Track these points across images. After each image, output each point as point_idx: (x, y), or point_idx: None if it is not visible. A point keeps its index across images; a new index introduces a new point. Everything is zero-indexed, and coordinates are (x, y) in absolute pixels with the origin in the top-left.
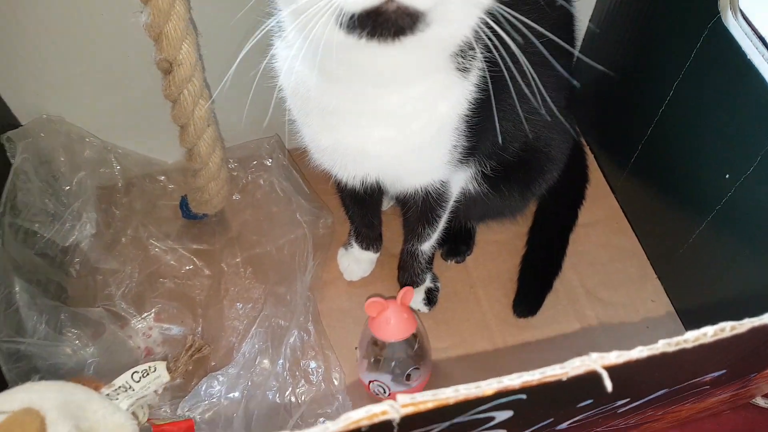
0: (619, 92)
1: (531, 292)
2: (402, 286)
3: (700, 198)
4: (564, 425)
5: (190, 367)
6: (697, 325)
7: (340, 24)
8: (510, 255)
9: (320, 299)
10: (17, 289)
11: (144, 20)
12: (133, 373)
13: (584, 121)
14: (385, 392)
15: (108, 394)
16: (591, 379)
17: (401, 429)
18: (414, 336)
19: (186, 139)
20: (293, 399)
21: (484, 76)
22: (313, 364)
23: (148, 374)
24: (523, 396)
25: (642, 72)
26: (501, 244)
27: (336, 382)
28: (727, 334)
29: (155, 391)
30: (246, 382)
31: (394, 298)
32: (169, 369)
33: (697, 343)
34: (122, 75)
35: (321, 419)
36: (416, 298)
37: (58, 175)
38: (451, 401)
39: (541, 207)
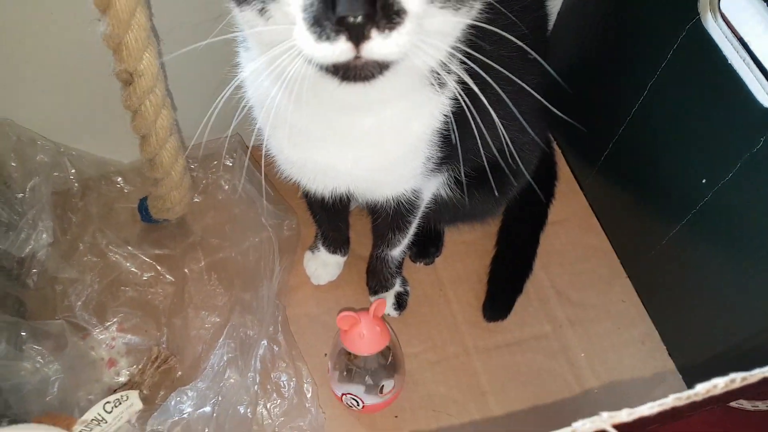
0: (590, 86)
1: (501, 296)
2: (371, 290)
3: (674, 201)
4: None
5: (156, 379)
6: (669, 326)
7: (311, 63)
8: (479, 255)
9: (288, 304)
10: None
11: (102, 30)
12: (105, 403)
13: (552, 115)
14: (358, 404)
15: (81, 431)
16: None
17: None
18: (387, 348)
19: (147, 150)
20: (265, 413)
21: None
22: (284, 377)
23: (120, 404)
24: None
25: (615, 69)
26: (470, 244)
27: (308, 394)
28: (737, 384)
29: (128, 421)
30: (216, 396)
31: (366, 309)
32: (135, 381)
33: (707, 396)
34: (73, 76)
35: None
36: (386, 302)
37: (10, 181)
38: None
39: (510, 206)
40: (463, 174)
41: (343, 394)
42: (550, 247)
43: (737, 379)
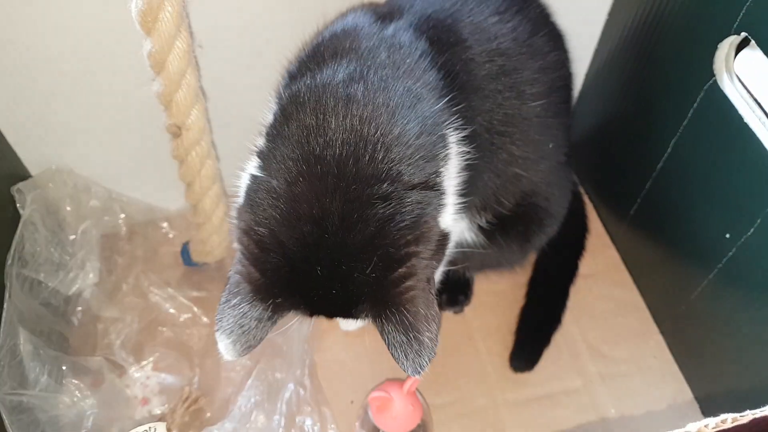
0: (618, 143)
1: (528, 347)
2: None
3: (701, 255)
4: None
5: (186, 419)
6: (702, 384)
7: None
8: (509, 306)
9: (317, 349)
10: (22, 340)
11: (155, 89)
12: None
13: (583, 169)
14: None
15: None
16: None
17: None
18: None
19: (192, 196)
20: None
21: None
22: (308, 421)
23: None
24: None
25: (641, 126)
26: (500, 294)
27: None
28: (728, 425)
29: None
30: None
31: (400, 380)
32: (167, 420)
33: None
34: (129, 129)
35: None
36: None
37: (64, 224)
38: None
39: (540, 257)
40: (484, 221)
41: None
42: (582, 301)
43: (728, 419)
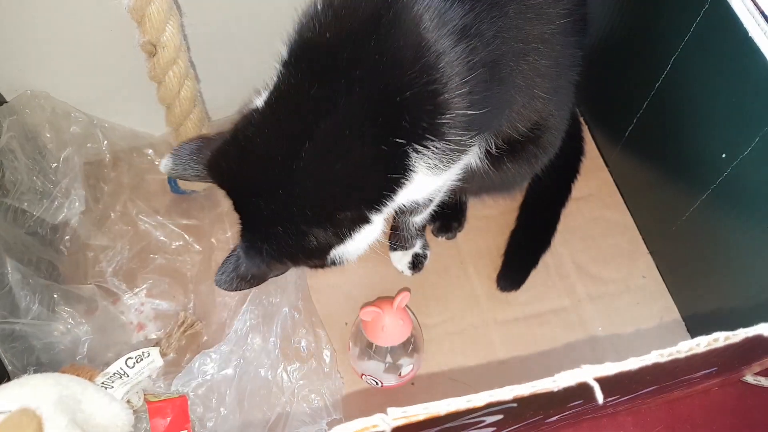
0: (616, 61)
1: (515, 267)
2: (391, 246)
3: (695, 176)
4: (554, 418)
5: (183, 343)
6: (689, 302)
7: None
8: (500, 230)
9: (310, 274)
10: (9, 269)
11: (126, 3)
12: (127, 359)
13: (578, 90)
14: (377, 384)
15: (103, 382)
16: (582, 388)
17: None
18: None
19: (172, 120)
20: (285, 376)
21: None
22: (303, 342)
23: (141, 359)
24: (514, 405)
25: (640, 41)
26: (492, 219)
27: (327, 359)
28: (720, 344)
29: (149, 376)
30: (238, 360)
31: (390, 298)
32: (162, 345)
33: (690, 353)
34: (106, 49)
35: (314, 396)
36: (402, 260)
37: (45, 152)
38: (443, 413)
39: (533, 181)
40: (494, 147)
41: (362, 375)
42: (573, 223)
43: (720, 338)
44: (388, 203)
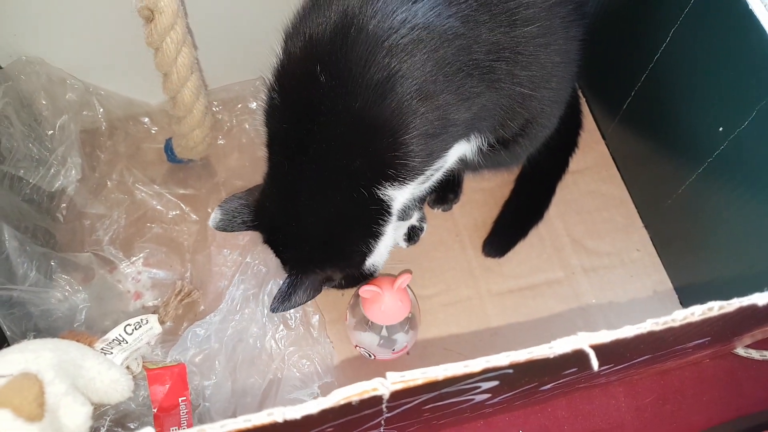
0: (614, 35)
1: (502, 235)
2: None
3: (692, 149)
4: (548, 386)
5: (180, 311)
6: (682, 275)
7: None
8: (497, 203)
9: None
10: (6, 236)
11: None
12: (126, 326)
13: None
14: (370, 356)
15: (102, 349)
16: (578, 355)
17: (391, 400)
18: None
19: (169, 87)
20: (273, 343)
21: None
22: (292, 311)
23: (140, 326)
24: (510, 371)
25: (640, 12)
26: (488, 191)
27: (316, 325)
28: (714, 313)
29: (148, 343)
30: (229, 330)
31: (391, 276)
32: (159, 313)
33: (684, 322)
34: (103, 15)
35: (304, 362)
36: (398, 231)
37: (40, 119)
38: (440, 378)
39: (532, 154)
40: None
41: (357, 345)
42: (568, 196)
43: (715, 307)
44: (382, 227)
